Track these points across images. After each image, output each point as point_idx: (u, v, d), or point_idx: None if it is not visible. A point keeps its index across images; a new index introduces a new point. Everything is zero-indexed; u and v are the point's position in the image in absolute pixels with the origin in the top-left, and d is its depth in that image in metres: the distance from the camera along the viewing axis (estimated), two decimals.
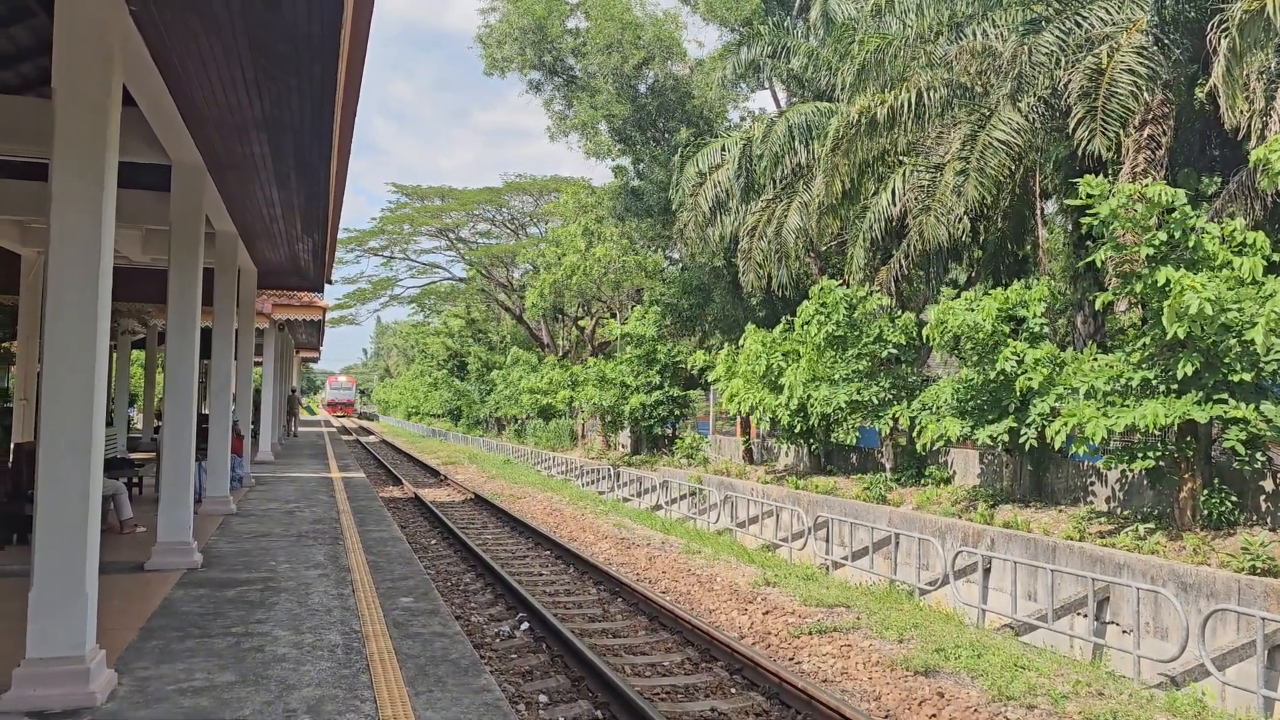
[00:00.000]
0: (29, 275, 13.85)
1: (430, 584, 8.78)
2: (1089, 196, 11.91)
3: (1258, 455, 10.93)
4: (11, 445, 12.19)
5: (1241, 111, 12.91)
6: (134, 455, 19.15)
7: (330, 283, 18.12)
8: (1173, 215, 11.29)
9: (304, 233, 12.66)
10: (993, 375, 14.01)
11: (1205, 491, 11.44)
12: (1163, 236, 11.25)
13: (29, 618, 5.02)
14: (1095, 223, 11.88)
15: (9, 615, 6.21)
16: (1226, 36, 12.54)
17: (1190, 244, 11.32)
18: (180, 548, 8.94)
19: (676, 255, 38.74)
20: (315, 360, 61.39)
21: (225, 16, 5.67)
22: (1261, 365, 10.93)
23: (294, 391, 41.83)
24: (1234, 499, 11.34)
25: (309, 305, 23.69)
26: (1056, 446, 12.04)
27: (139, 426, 32.27)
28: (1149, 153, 14.61)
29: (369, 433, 75.53)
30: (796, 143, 22.29)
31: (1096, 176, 12.14)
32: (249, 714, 5.01)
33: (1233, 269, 10.90)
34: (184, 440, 9.23)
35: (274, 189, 10.14)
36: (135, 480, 13.83)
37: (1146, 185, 11.59)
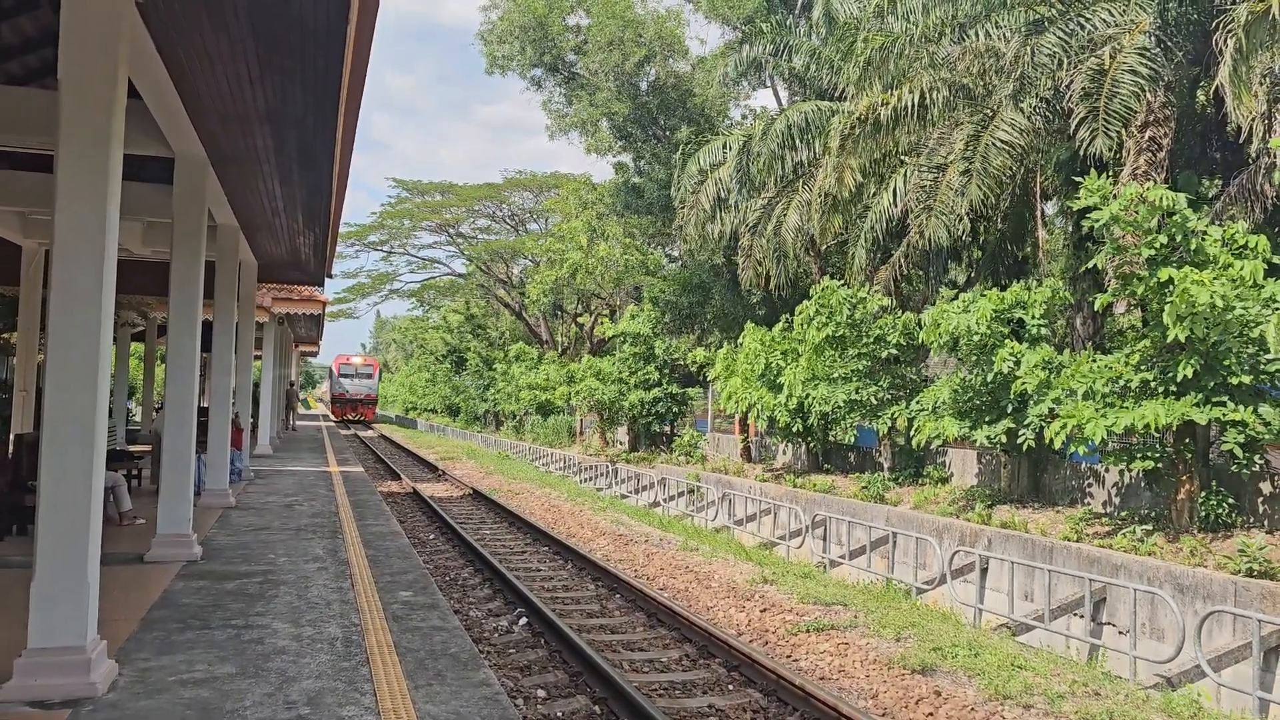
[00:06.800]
0: (30, 267, 13.86)
1: (429, 578, 8.80)
2: (1092, 197, 11.92)
3: (1255, 458, 10.97)
4: (11, 436, 12.19)
5: (1247, 113, 12.92)
6: (133, 448, 19.14)
7: (330, 277, 18.15)
8: (1173, 219, 11.31)
9: (305, 227, 12.67)
10: (990, 376, 14.02)
11: (1203, 494, 11.46)
12: (1163, 239, 11.27)
13: (31, 608, 5.03)
14: (1097, 225, 11.89)
15: (10, 606, 6.23)
16: (1233, 37, 12.55)
17: (1191, 246, 11.34)
18: (180, 540, 8.95)
19: (676, 253, 38.75)
20: (314, 355, 61.28)
21: (231, 9, 5.68)
22: (1261, 368, 10.96)
23: (292, 385, 41.84)
24: (1231, 501, 11.37)
25: (309, 299, 23.67)
26: (1056, 447, 12.06)
27: (138, 419, 32.27)
28: (1150, 154, 14.61)
29: (368, 427, 75.04)
30: (797, 141, 22.30)
31: (1099, 177, 12.15)
32: (249, 705, 5.02)
33: (1234, 271, 10.93)
34: (184, 433, 9.24)
35: (276, 182, 10.15)
36: (134, 472, 13.83)
37: (1149, 188, 11.60)
